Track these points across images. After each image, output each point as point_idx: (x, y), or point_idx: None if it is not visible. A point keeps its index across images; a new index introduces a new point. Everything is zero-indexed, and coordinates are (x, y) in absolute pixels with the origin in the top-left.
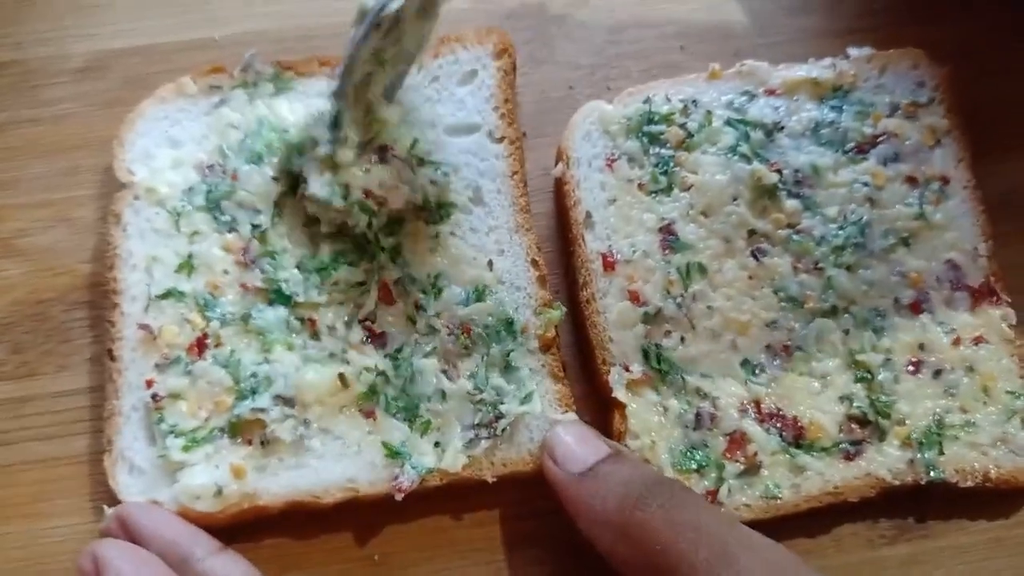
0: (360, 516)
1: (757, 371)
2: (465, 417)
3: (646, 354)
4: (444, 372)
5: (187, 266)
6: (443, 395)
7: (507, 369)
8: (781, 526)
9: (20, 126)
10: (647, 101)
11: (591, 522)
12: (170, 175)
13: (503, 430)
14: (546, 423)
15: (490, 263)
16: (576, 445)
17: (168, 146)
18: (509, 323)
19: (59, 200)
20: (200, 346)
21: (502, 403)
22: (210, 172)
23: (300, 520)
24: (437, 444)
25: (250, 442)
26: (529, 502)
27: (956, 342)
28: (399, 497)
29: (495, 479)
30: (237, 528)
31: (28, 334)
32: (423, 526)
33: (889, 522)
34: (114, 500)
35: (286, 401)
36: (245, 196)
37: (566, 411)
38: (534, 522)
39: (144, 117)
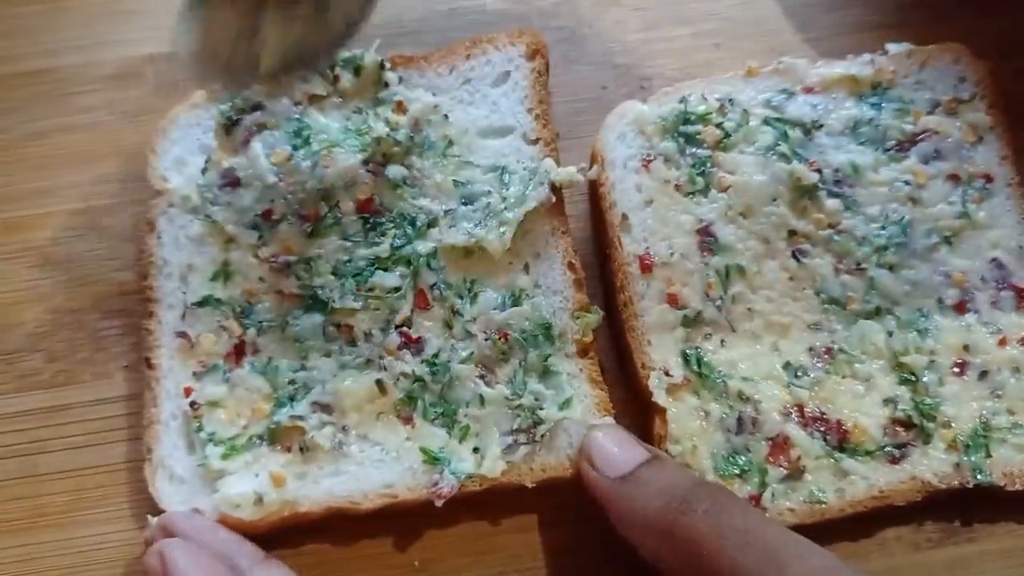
0: (399, 522)
1: (799, 374)
2: (503, 423)
3: (686, 358)
4: (482, 377)
5: (222, 274)
6: (481, 400)
7: (545, 374)
8: (824, 530)
9: (53, 135)
10: (683, 100)
11: (634, 527)
12: (204, 182)
13: (542, 436)
14: (585, 428)
15: (526, 267)
16: (614, 449)
17: (201, 153)
18: (546, 327)
19: (93, 208)
20: (238, 353)
21: (541, 408)
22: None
23: (340, 526)
24: (476, 450)
25: (289, 449)
26: (568, 507)
27: (1002, 342)
28: (439, 503)
29: (534, 485)
30: (278, 535)
31: (63, 343)
32: (462, 532)
33: (934, 525)
34: (153, 508)
35: (324, 408)
36: (280, 203)
37: (604, 416)
38: (574, 527)
39: (177, 124)
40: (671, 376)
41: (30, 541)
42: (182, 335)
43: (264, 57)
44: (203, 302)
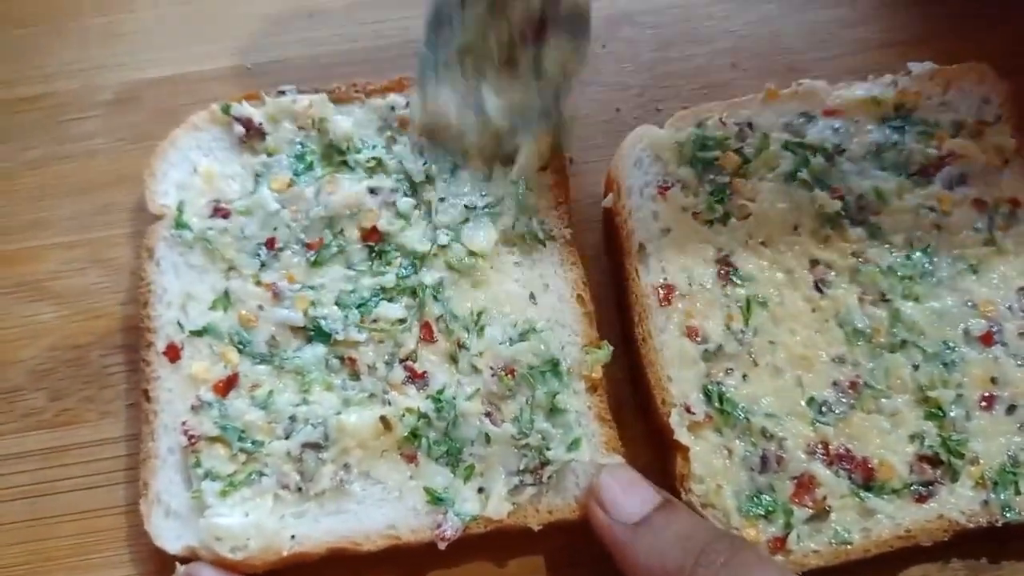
0: (402, 562)
1: (824, 409)
2: (509, 462)
3: (707, 394)
4: (488, 415)
5: (222, 302)
6: (487, 439)
7: (553, 412)
8: (847, 567)
9: (52, 163)
10: (700, 125)
11: None
12: (204, 207)
13: (549, 477)
14: (593, 468)
15: (531, 296)
16: (626, 492)
17: (199, 176)
18: (554, 363)
19: (93, 240)
20: (230, 384)
21: (548, 448)
22: None
23: (342, 567)
24: (481, 490)
25: (288, 487)
26: (575, 548)
27: None
28: (442, 546)
29: (540, 527)
30: (278, 574)
31: (66, 380)
32: (467, 572)
33: (961, 562)
34: (154, 549)
35: (325, 444)
36: (283, 231)
37: (612, 454)
38: (580, 570)
39: (177, 147)
40: (693, 413)
41: None
42: (170, 349)
43: (485, 124)
44: (202, 331)
